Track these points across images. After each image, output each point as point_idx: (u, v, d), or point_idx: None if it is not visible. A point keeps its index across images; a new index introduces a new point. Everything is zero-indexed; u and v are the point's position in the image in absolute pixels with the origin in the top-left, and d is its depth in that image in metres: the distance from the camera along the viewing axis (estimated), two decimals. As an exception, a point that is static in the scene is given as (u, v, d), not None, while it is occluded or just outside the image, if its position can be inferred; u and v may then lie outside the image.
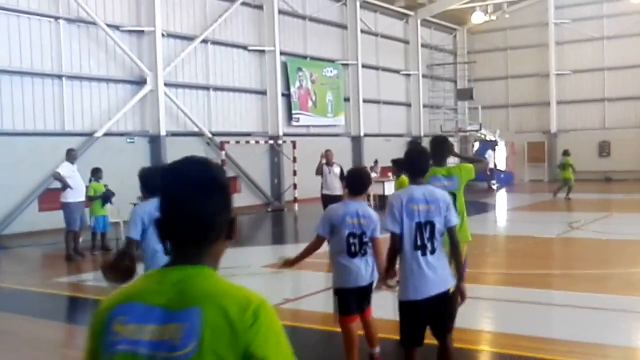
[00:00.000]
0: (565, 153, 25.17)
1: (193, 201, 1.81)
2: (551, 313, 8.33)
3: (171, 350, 1.67)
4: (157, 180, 4.88)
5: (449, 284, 5.06)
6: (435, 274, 4.95)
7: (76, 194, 13.59)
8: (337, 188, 14.41)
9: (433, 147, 6.45)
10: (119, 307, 1.79)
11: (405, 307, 5.07)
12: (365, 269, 5.67)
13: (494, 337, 7.27)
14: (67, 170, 13.63)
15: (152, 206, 5.24)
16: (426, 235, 4.95)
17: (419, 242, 4.94)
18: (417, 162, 5.28)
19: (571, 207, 21.21)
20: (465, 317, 7.49)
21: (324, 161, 15.24)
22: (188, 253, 1.82)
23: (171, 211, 1.83)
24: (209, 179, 1.85)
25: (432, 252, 4.97)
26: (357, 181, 5.89)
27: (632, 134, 35.08)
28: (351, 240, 5.58)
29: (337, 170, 14.81)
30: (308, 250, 5.95)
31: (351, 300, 5.71)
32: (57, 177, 13.71)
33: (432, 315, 5.05)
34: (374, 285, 5.77)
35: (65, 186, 13.50)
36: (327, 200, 13.47)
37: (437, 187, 5.38)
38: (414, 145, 5.18)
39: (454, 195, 5.94)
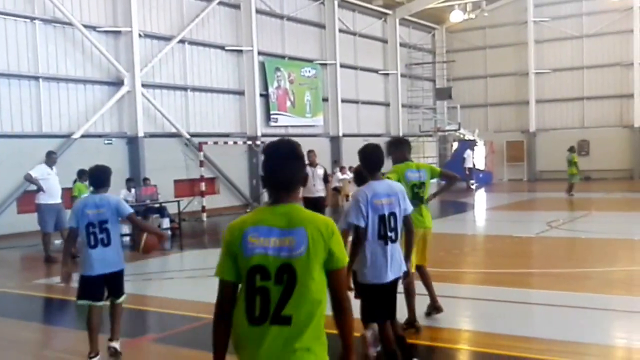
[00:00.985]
0: (571, 150, 25.16)
1: (285, 165, 3.11)
2: (530, 312, 8.33)
3: (290, 251, 2.94)
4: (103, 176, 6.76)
5: (404, 268, 5.64)
6: (394, 261, 5.48)
7: (49, 197, 13.51)
8: (320, 190, 14.03)
9: (399, 144, 7.31)
10: (250, 228, 3.00)
11: (368, 289, 5.48)
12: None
13: (473, 336, 7.25)
14: (40, 172, 13.53)
15: (82, 202, 6.70)
16: (390, 226, 5.43)
17: (382, 233, 5.40)
18: (373, 158, 5.70)
19: (550, 206, 21.32)
20: (445, 316, 7.50)
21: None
22: (283, 196, 3.09)
23: (273, 172, 3.09)
24: (293, 152, 3.17)
25: (394, 241, 5.48)
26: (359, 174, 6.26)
27: (611, 133, 35.39)
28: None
29: (320, 172, 14.23)
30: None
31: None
32: (29, 178, 13.72)
33: (389, 297, 5.54)
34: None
35: (39, 188, 13.40)
36: (308, 203, 13.06)
37: (413, 177, 6.73)
38: (368, 144, 5.30)
39: (424, 184, 7.11)
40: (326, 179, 14.20)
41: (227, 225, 3.10)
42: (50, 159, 13.84)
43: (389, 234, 5.40)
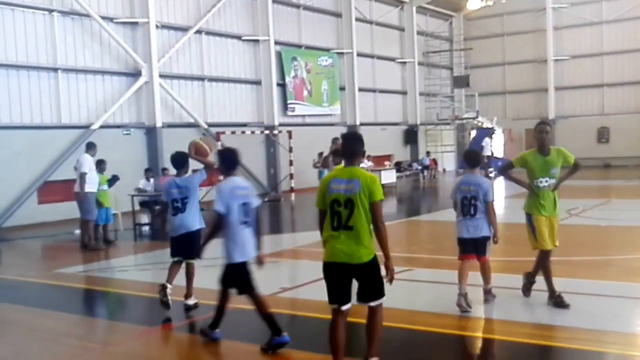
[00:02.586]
0: None
1: (354, 143, 5.55)
2: (540, 299, 8.27)
3: (352, 191, 5.22)
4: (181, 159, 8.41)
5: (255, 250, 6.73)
6: (251, 242, 6.63)
7: (92, 185, 13.73)
8: None
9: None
10: (332, 179, 5.39)
11: (234, 267, 6.63)
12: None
13: (495, 324, 7.23)
14: (89, 163, 13.75)
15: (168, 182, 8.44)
16: (244, 212, 6.56)
17: (242, 219, 6.53)
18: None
19: (570, 193, 21.09)
20: (454, 303, 7.47)
21: (326, 154, 13.18)
22: (351, 162, 5.46)
23: (344, 149, 5.51)
24: (355, 137, 5.66)
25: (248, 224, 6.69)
26: (470, 158, 8.17)
27: (631, 120, 34.97)
28: (464, 203, 7.76)
29: None
30: None
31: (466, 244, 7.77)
32: (83, 175, 13.66)
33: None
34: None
35: (82, 177, 13.55)
36: None
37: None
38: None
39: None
40: None
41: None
42: (93, 149, 13.95)
43: (247, 220, 6.60)
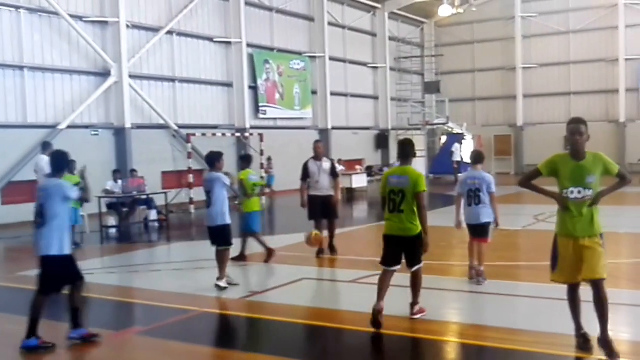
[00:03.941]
0: None
1: (407, 147, 7.39)
2: (517, 304, 8.35)
3: (403, 184, 7.07)
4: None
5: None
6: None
7: None
8: (326, 187, 11.70)
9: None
10: (390, 175, 7.33)
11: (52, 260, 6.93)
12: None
13: (461, 328, 7.25)
14: (47, 165, 13.36)
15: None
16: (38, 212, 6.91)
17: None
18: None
19: (536, 199, 21.31)
20: (432, 308, 7.51)
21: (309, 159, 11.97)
22: (405, 162, 7.36)
23: (401, 150, 7.44)
24: (409, 141, 7.54)
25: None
26: (476, 157, 9.54)
27: (596, 128, 35.31)
28: (470, 195, 9.11)
29: (327, 165, 11.74)
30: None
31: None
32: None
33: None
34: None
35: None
36: (315, 202, 11.60)
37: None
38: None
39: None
40: (334, 173, 11.81)
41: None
42: (48, 149, 13.64)
43: None
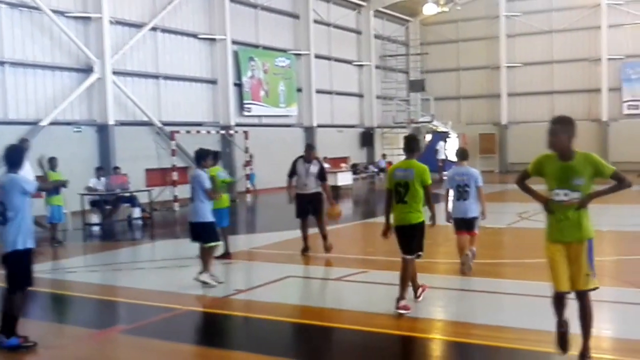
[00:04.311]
0: None
1: (411, 142, 7.84)
2: (502, 301, 8.36)
3: (407, 177, 7.46)
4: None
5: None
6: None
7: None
8: (313, 187, 11.71)
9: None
10: (396, 169, 7.67)
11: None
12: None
13: (446, 325, 7.25)
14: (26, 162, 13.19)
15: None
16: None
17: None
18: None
19: (520, 197, 21.40)
20: (417, 306, 7.50)
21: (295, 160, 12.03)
22: (410, 156, 7.68)
23: (407, 145, 7.79)
24: (414, 137, 8.23)
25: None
26: (461, 153, 10.19)
27: (579, 127, 35.28)
28: (459, 190, 9.47)
29: (314, 169, 11.68)
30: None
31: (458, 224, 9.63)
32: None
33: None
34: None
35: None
36: (302, 200, 11.62)
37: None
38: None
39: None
40: (322, 176, 11.77)
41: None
42: (25, 146, 13.48)
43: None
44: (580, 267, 5.51)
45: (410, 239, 7.58)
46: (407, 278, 7.57)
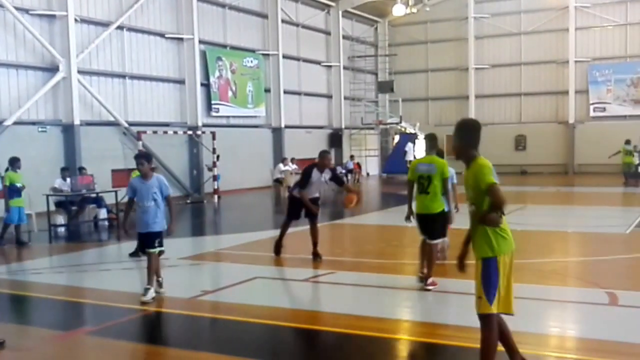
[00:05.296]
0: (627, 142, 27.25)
1: (431, 140, 9.02)
2: (468, 302, 8.41)
3: (430, 171, 8.56)
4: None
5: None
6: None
7: None
8: (316, 191, 11.46)
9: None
10: (419, 163, 8.76)
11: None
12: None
13: (413, 326, 7.30)
14: None
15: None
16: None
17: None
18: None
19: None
20: (385, 307, 7.52)
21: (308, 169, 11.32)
22: (430, 152, 8.88)
23: (427, 142, 9.00)
24: (433, 135, 9.09)
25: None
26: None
27: (546, 129, 36.34)
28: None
29: (327, 176, 11.21)
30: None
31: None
32: None
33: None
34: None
35: None
36: (297, 203, 11.16)
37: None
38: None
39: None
40: (339, 180, 11.72)
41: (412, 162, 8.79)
42: None
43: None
44: (476, 289, 5.13)
45: (433, 225, 8.61)
46: (434, 259, 8.70)
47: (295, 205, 11.25)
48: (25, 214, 14.12)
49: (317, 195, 11.41)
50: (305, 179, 11.02)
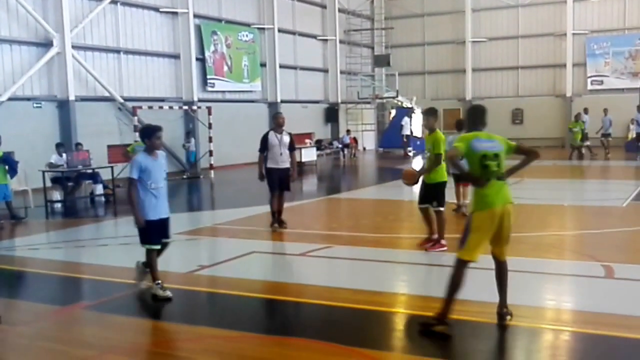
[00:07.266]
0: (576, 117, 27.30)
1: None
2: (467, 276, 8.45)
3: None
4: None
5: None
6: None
7: None
8: (286, 160, 11.52)
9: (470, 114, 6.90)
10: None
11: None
12: None
13: (409, 299, 7.33)
14: None
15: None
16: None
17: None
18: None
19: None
20: (382, 280, 7.54)
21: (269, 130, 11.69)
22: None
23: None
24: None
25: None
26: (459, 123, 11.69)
27: (543, 102, 36.25)
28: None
29: (286, 139, 11.53)
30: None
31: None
32: None
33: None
34: None
35: None
36: (274, 174, 11.45)
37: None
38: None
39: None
40: (292, 147, 11.66)
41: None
42: None
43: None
44: None
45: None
46: (431, 221, 9.64)
47: (274, 176, 11.48)
48: (10, 190, 13.91)
49: (287, 165, 11.55)
50: (262, 143, 11.44)
